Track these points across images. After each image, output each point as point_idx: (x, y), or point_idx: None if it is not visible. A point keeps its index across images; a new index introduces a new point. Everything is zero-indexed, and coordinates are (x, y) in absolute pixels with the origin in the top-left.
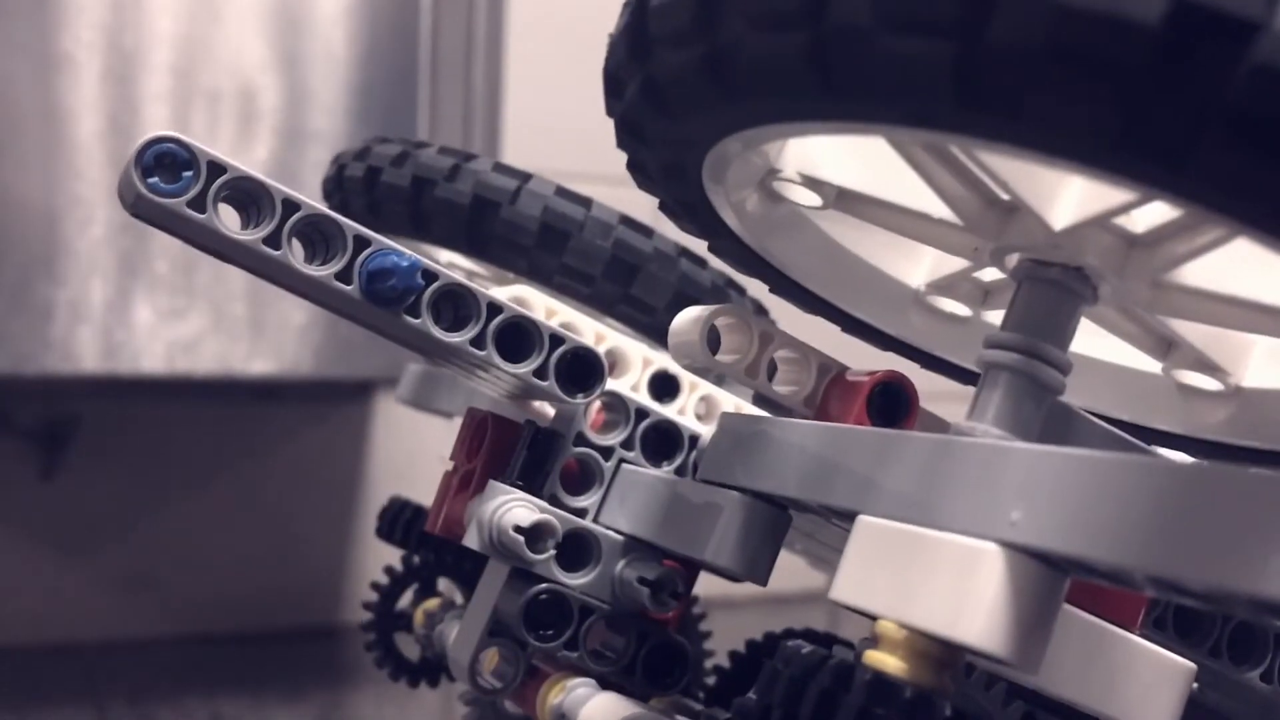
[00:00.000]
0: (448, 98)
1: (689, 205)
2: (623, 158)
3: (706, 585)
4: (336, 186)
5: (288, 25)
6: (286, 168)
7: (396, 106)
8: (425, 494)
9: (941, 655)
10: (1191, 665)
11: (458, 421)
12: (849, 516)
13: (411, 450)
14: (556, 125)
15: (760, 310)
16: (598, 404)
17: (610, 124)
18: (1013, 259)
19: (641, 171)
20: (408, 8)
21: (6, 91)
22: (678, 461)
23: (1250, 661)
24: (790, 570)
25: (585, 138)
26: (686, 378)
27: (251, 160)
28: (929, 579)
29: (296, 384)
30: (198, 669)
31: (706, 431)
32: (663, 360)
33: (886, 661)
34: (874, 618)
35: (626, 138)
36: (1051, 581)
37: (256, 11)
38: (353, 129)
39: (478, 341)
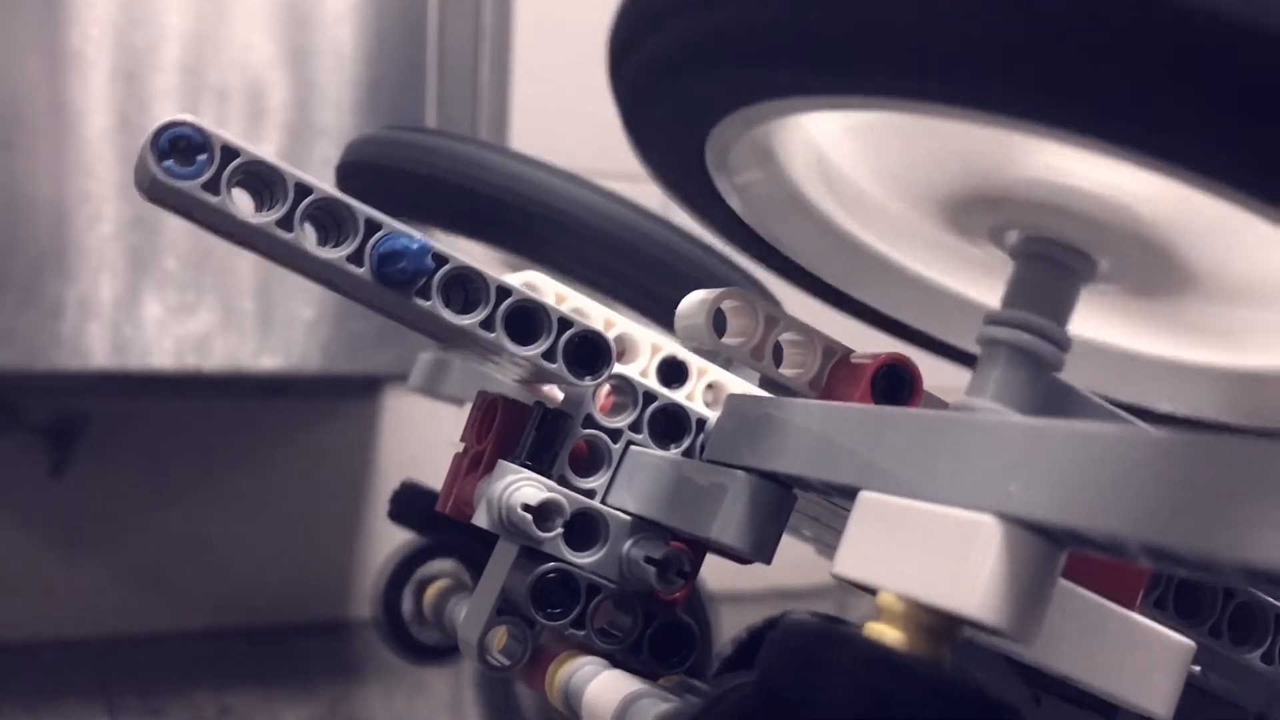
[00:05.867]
0: (455, 93)
1: (691, 184)
2: (630, 153)
3: (715, 579)
4: None
5: (295, 22)
6: (294, 163)
7: (404, 102)
8: (434, 487)
9: (940, 626)
10: (1191, 643)
11: (468, 409)
12: (851, 494)
13: (420, 446)
14: (564, 121)
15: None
16: (606, 387)
17: (617, 119)
18: (1012, 236)
19: (644, 150)
20: (415, 4)
21: (16, 89)
22: (685, 444)
23: (1251, 642)
24: (798, 565)
25: (592, 133)
26: (695, 363)
27: None
28: (927, 551)
29: (305, 380)
30: (207, 664)
31: (714, 416)
32: (672, 346)
33: (886, 633)
34: (874, 591)
35: (631, 112)
36: (1048, 553)
37: (264, 8)
38: (360, 124)
39: (487, 324)
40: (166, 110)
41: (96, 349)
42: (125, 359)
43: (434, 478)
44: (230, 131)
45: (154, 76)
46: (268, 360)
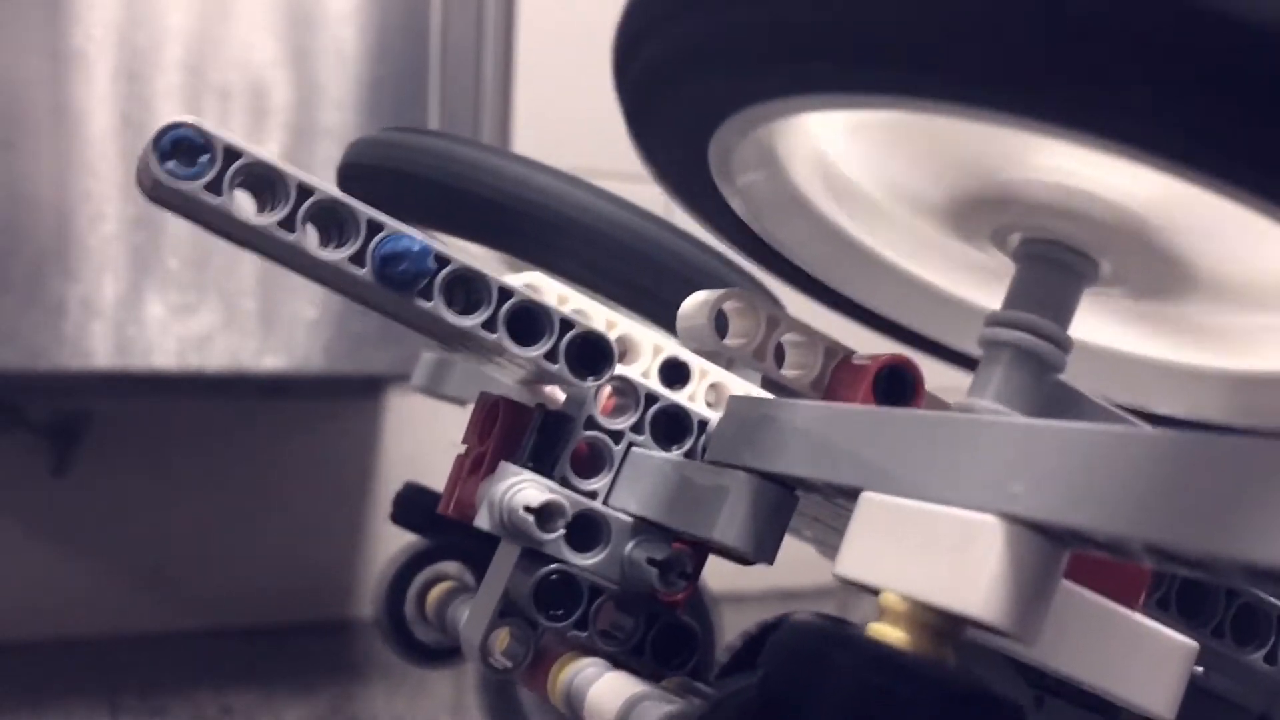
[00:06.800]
0: (458, 92)
1: (694, 187)
2: (633, 152)
3: (717, 580)
4: None
5: (298, 21)
6: (297, 163)
7: (407, 101)
8: (437, 488)
9: (943, 626)
10: (1193, 643)
11: (470, 410)
12: (853, 494)
13: (422, 446)
14: (567, 120)
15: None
16: (608, 388)
17: (620, 119)
18: (1014, 239)
19: (648, 153)
20: (418, 3)
21: (19, 88)
22: (687, 445)
23: (1254, 643)
24: (802, 565)
25: (595, 133)
26: (697, 365)
27: None
28: (930, 552)
29: (307, 380)
30: (209, 663)
31: (716, 417)
32: (673, 348)
33: (889, 633)
34: (877, 592)
35: (635, 115)
36: (1050, 553)
37: (267, 8)
38: (363, 124)
39: (489, 325)
40: (169, 110)
41: (99, 349)
42: (127, 359)
43: (436, 477)
44: (233, 132)
45: (156, 76)
46: (270, 360)
